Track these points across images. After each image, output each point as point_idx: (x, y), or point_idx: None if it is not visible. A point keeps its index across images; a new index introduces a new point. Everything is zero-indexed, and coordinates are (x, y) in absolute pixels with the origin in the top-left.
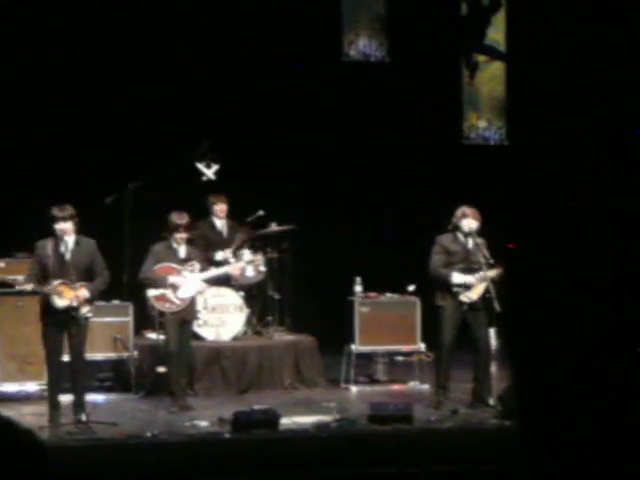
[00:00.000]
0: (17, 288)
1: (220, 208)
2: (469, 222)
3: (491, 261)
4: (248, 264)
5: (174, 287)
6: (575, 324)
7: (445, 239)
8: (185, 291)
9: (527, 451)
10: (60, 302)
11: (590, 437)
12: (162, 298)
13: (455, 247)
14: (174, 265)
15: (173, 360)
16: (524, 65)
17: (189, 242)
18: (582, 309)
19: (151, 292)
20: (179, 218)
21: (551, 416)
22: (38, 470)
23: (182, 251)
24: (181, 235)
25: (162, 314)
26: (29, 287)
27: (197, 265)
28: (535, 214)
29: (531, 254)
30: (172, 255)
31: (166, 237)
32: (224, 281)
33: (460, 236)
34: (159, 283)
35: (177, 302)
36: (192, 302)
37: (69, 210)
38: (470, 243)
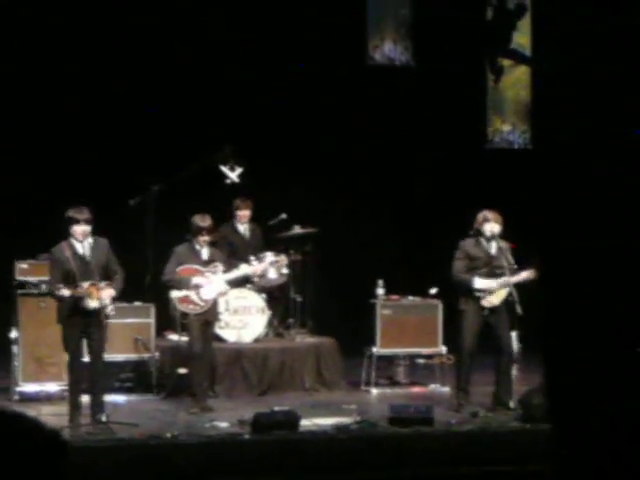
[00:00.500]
0: (57, 294)
1: (243, 214)
2: (491, 226)
3: (514, 266)
4: (271, 265)
5: (197, 288)
6: (607, 325)
7: (468, 244)
8: (208, 292)
9: (557, 453)
10: (92, 303)
11: (620, 439)
12: (185, 300)
13: (477, 252)
14: (197, 267)
15: (196, 361)
16: (549, 69)
17: (212, 244)
18: (614, 309)
19: (174, 293)
20: (202, 220)
21: (582, 418)
22: (61, 470)
23: (205, 253)
24: (204, 238)
25: (185, 315)
26: (68, 293)
27: (220, 266)
28: (560, 216)
29: (560, 256)
30: (195, 257)
31: (189, 239)
32: (246, 283)
33: (483, 241)
34: (182, 284)
35: (200, 303)
36: (215, 304)
37: (87, 212)
38: (493, 248)
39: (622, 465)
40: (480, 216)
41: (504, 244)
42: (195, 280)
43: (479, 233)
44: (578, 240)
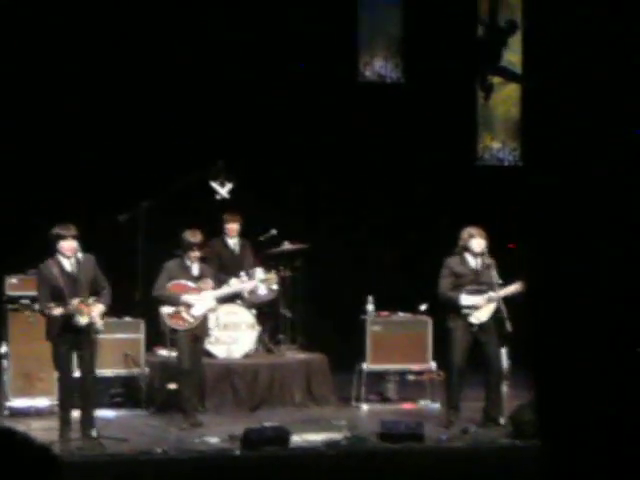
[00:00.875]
0: (49, 313)
1: (230, 227)
2: (478, 242)
3: (500, 281)
4: (261, 283)
5: (187, 305)
6: (597, 338)
7: (453, 262)
8: (198, 309)
9: (547, 469)
10: (82, 320)
11: (614, 453)
12: (175, 316)
13: (463, 269)
14: (187, 283)
15: (185, 377)
16: (540, 87)
17: (202, 260)
18: (604, 322)
19: (164, 309)
20: (193, 236)
21: (573, 432)
22: None
23: (195, 269)
24: (195, 253)
25: (174, 331)
26: (59, 311)
27: (210, 283)
28: (551, 232)
29: (549, 271)
30: (185, 273)
31: (179, 255)
32: (236, 299)
33: (468, 257)
34: (172, 301)
35: (190, 320)
36: (204, 320)
37: (73, 229)
38: (479, 264)
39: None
40: (465, 233)
41: (489, 260)
42: (185, 297)
43: (465, 250)
44: (565, 253)
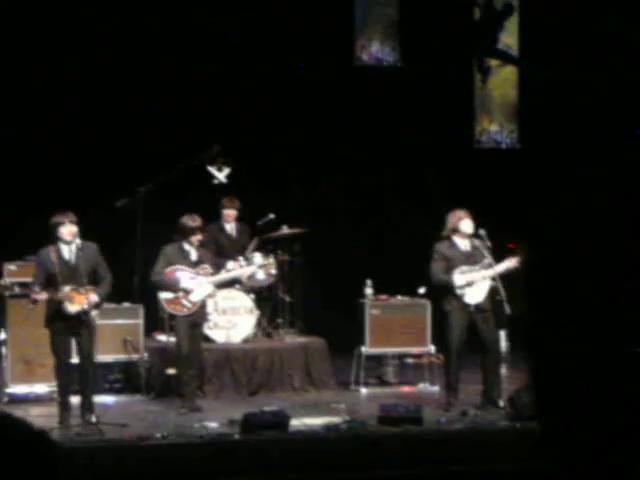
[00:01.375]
0: (32, 297)
1: (228, 213)
2: (467, 223)
3: (490, 261)
4: (260, 268)
5: (186, 291)
6: (595, 324)
7: (442, 246)
8: (197, 295)
9: (545, 452)
10: (72, 308)
11: (612, 438)
12: (174, 301)
13: (453, 252)
14: (186, 268)
15: (184, 362)
16: (536, 69)
17: (200, 245)
18: (602, 309)
19: (162, 295)
20: (192, 221)
21: (571, 416)
22: (51, 472)
23: (194, 254)
24: (197, 237)
25: (173, 317)
26: (44, 296)
27: (209, 269)
28: (549, 216)
29: (546, 256)
30: (183, 258)
31: (177, 239)
32: (234, 283)
33: (457, 240)
34: (171, 286)
35: (188, 305)
36: (203, 305)
37: (72, 215)
38: (468, 245)
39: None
40: (454, 216)
41: (478, 241)
42: (183, 283)
43: (454, 232)
44: (564, 238)
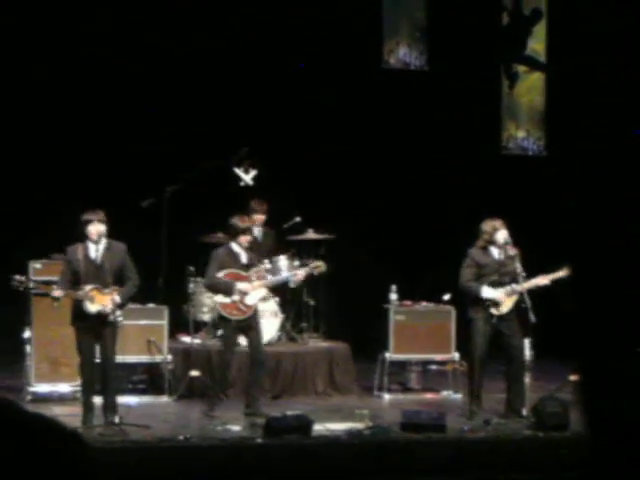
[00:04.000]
0: (51, 295)
1: (258, 217)
2: (503, 233)
3: (524, 273)
4: (312, 270)
5: (242, 295)
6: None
7: (476, 252)
8: (252, 298)
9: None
10: (92, 307)
11: None
12: (230, 305)
13: (486, 260)
14: (240, 272)
15: (230, 366)
16: (564, 76)
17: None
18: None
19: (218, 298)
20: (242, 221)
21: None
22: (86, 475)
23: (244, 256)
24: (247, 238)
25: (222, 319)
26: (61, 294)
27: (261, 271)
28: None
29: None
30: (234, 261)
31: (222, 242)
32: (285, 285)
33: (491, 249)
34: (227, 289)
35: (244, 309)
36: (256, 310)
37: (101, 213)
38: (503, 255)
39: None
40: (489, 226)
41: (513, 251)
42: (239, 285)
43: (489, 242)
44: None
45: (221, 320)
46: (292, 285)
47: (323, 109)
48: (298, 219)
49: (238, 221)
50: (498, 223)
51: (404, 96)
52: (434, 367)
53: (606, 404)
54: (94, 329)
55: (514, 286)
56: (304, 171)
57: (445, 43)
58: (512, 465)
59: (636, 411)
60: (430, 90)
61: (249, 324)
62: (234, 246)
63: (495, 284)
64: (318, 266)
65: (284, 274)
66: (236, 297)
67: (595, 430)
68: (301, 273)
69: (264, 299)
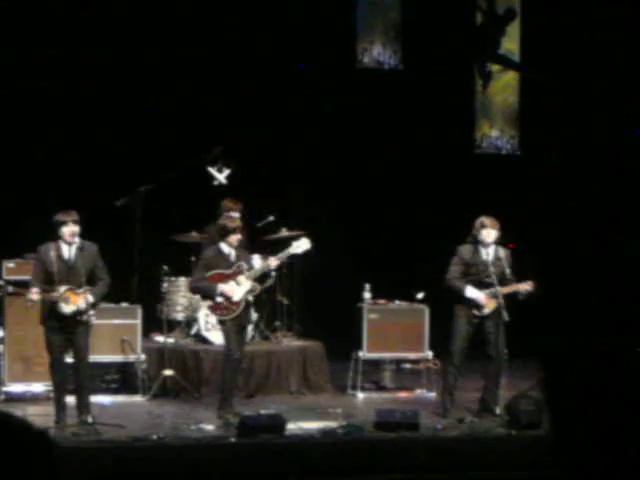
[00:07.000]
0: (27, 298)
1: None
2: (488, 232)
3: (511, 276)
4: (295, 252)
5: (225, 295)
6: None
7: (465, 250)
8: (237, 294)
9: (558, 457)
10: (67, 308)
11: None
12: (216, 307)
13: (474, 259)
14: (224, 271)
15: (235, 366)
16: (537, 75)
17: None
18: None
19: (206, 303)
20: (232, 221)
21: (584, 421)
22: (51, 472)
23: (233, 255)
24: (236, 237)
25: (222, 322)
26: (35, 296)
27: (244, 266)
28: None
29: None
30: (223, 260)
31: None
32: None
33: (480, 248)
34: (209, 293)
35: (233, 307)
36: (247, 308)
37: (75, 214)
38: (491, 255)
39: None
40: (477, 222)
41: (503, 252)
42: (221, 287)
43: (477, 239)
44: (575, 243)
45: (219, 324)
46: (273, 265)
47: (296, 107)
48: (271, 218)
49: (228, 221)
50: (487, 221)
51: (378, 95)
52: (408, 366)
53: (569, 403)
54: (66, 329)
55: (498, 289)
56: (277, 170)
57: (419, 42)
58: (485, 463)
59: (600, 409)
60: (404, 89)
61: (241, 323)
62: (223, 246)
63: (479, 286)
64: (301, 244)
65: (262, 263)
66: (219, 299)
67: (559, 428)
68: (274, 262)
69: (251, 291)
